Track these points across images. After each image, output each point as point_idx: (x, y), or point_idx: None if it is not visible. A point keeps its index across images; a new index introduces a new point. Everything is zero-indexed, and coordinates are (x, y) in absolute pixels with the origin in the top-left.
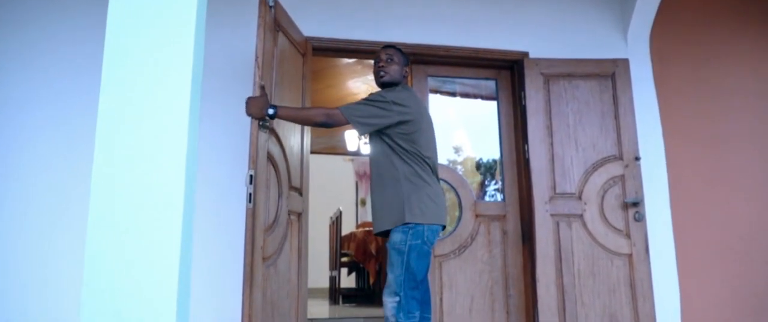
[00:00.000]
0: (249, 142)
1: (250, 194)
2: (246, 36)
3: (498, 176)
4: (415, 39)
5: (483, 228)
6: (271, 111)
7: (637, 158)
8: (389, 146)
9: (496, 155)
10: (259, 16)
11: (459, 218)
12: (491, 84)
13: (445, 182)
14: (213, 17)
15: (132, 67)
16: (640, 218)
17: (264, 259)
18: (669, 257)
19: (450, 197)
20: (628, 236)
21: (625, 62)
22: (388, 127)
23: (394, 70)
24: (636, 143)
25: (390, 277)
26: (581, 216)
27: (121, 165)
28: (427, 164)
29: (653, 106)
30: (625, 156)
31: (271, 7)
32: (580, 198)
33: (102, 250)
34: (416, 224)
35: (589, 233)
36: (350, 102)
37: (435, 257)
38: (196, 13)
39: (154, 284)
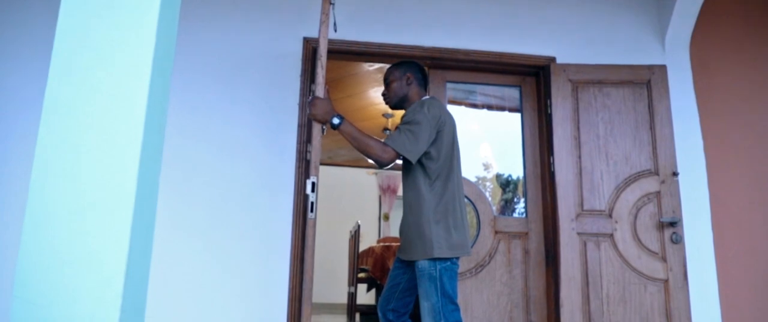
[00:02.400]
0: (312, 145)
1: (313, 203)
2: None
3: (521, 193)
4: (432, 42)
5: (503, 246)
6: (336, 120)
7: (675, 174)
8: (417, 169)
9: (521, 173)
10: (322, 13)
11: (477, 235)
12: (515, 94)
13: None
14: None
15: (84, 53)
16: (677, 240)
17: None
18: (710, 284)
19: (467, 210)
20: (663, 259)
21: (662, 69)
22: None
23: (393, 90)
24: (674, 157)
25: (426, 306)
26: (611, 236)
27: (63, 166)
28: (454, 178)
29: (693, 118)
30: (661, 171)
31: (332, 3)
32: (610, 216)
33: (36, 258)
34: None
35: (620, 255)
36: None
37: None
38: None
39: (93, 301)
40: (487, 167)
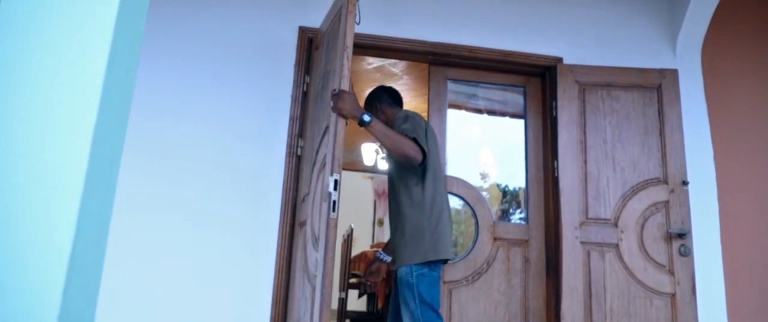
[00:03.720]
0: (332, 141)
1: (335, 202)
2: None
3: (522, 204)
4: (435, 37)
5: (501, 254)
6: (367, 118)
7: (685, 183)
8: (409, 173)
9: (522, 183)
10: (350, 3)
11: (474, 240)
12: (517, 98)
13: (461, 197)
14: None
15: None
16: (686, 253)
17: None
18: (718, 300)
19: (465, 214)
20: (671, 272)
21: (673, 73)
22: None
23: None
24: (684, 166)
25: (406, 315)
26: (617, 246)
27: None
28: (442, 182)
29: (703, 125)
30: (670, 180)
31: None
32: (616, 225)
33: None
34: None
35: (626, 266)
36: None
37: (444, 283)
38: None
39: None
40: (484, 176)
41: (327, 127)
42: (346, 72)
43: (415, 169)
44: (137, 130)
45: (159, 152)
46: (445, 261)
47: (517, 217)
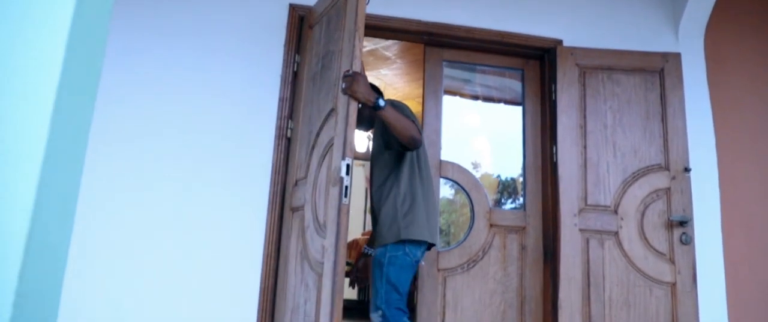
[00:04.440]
0: (344, 125)
1: (347, 188)
2: None
3: (516, 193)
4: (431, 16)
5: (498, 241)
6: (382, 102)
7: (687, 170)
8: (398, 153)
9: (516, 173)
10: None
11: (470, 227)
12: (514, 85)
13: (456, 182)
14: None
15: None
16: (687, 241)
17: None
18: (718, 289)
19: (461, 200)
20: (671, 261)
21: (676, 57)
22: None
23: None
24: (686, 152)
25: (372, 293)
26: (616, 234)
27: None
28: (425, 167)
29: (705, 111)
30: (671, 166)
31: None
32: (615, 212)
33: None
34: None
35: (625, 255)
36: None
37: (439, 270)
38: None
39: None
40: (476, 165)
41: (332, 110)
42: (358, 53)
43: (400, 154)
44: (117, 109)
45: (141, 132)
46: (427, 247)
47: (509, 207)
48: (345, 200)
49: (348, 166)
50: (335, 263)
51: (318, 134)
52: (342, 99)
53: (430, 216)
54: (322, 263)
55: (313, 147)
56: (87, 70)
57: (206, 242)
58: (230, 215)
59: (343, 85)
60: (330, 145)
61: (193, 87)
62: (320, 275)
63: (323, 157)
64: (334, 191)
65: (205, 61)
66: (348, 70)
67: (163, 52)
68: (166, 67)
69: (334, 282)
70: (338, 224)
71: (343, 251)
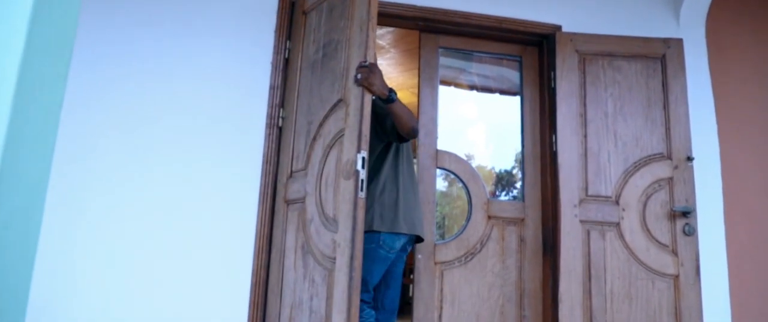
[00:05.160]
0: (358, 117)
1: (363, 181)
2: None
3: (511, 186)
4: (426, 2)
5: (496, 233)
6: (394, 96)
7: (690, 159)
8: (384, 144)
9: (510, 165)
10: None
11: (468, 219)
12: (510, 74)
13: (453, 173)
14: None
15: None
16: (690, 232)
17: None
18: (721, 281)
19: (455, 192)
20: (674, 252)
21: (678, 43)
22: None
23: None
24: (689, 140)
25: None
26: (618, 225)
27: None
28: (406, 160)
29: (707, 99)
30: (674, 155)
31: None
32: (617, 203)
33: None
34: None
35: (627, 246)
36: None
37: (436, 264)
38: None
39: None
40: (469, 157)
41: (339, 101)
42: (371, 43)
43: (386, 145)
44: (100, 96)
45: (125, 120)
46: (409, 239)
47: (505, 198)
48: (361, 194)
49: (363, 158)
50: (352, 257)
51: (321, 125)
52: (354, 90)
53: (412, 208)
54: (334, 259)
55: (314, 138)
56: (54, 60)
57: (194, 236)
58: (219, 208)
59: (359, 76)
60: (337, 137)
61: (178, 75)
62: (330, 271)
63: (328, 149)
64: (348, 185)
65: (191, 48)
66: (364, 61)
67: (148, 40)
68: (151, 56)
69: (350, 278)
70: (354, 219)
71: (359, 245)
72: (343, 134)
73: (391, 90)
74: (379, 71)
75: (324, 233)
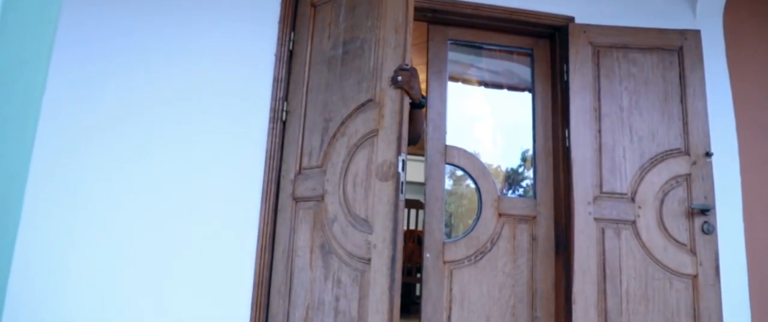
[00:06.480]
0: (398, 120)
1: (403, 183)
2: None
3: (518, 183)
4: None
5: (507, 231)
6: (424, 102)
7: (709, 154)
8: None
9: (517, 163)
10: None
11: (478, 216)
12: (521, 70)
13: (462, 169)
14: None
15: None
16: (709, 230)
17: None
18: (740, 281)
19: (464, 189)
20: (692, 252)
21: (696, 34)
22: None
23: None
24: (707, 135)
25: None
26: (634, 223)
27: None
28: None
29: (725, 93)
30: (692, 150)
31: None
32: (633, 200)
33: None
34: None
35: (643, 245)
36: None
37: (445, 263)
38: None
39: None
40: (477, 155)
41: (369, 101)
42: (409, 46)
43: None
44: (94, 90)
45: (124, 114)
46: None
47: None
48: (402, 196)
49: (403, 161)
50: (393, 259)
51: (343, 123)
52: (390, 92)
53: None
54: (366, 259)
55: (333, 136)
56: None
57: (195, 234)
58: (219, 204)
59: (399, 79)
60: (367, 138)
61: (177, 68)
62: (362, 272)
63: (355, 148)
64: (385, 186)
65: (189, 40)
66: (405, 65)
67: (145, 30)
68: (148, 47)
69: (392, 279)
70: (395, 220)
71: (400, 247)
72: (374, 135)
73: (423, 96)
74: (418, 75)
75: (353, 233)
